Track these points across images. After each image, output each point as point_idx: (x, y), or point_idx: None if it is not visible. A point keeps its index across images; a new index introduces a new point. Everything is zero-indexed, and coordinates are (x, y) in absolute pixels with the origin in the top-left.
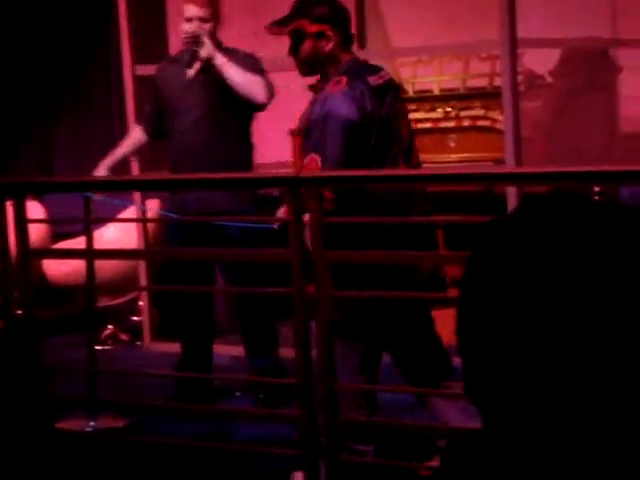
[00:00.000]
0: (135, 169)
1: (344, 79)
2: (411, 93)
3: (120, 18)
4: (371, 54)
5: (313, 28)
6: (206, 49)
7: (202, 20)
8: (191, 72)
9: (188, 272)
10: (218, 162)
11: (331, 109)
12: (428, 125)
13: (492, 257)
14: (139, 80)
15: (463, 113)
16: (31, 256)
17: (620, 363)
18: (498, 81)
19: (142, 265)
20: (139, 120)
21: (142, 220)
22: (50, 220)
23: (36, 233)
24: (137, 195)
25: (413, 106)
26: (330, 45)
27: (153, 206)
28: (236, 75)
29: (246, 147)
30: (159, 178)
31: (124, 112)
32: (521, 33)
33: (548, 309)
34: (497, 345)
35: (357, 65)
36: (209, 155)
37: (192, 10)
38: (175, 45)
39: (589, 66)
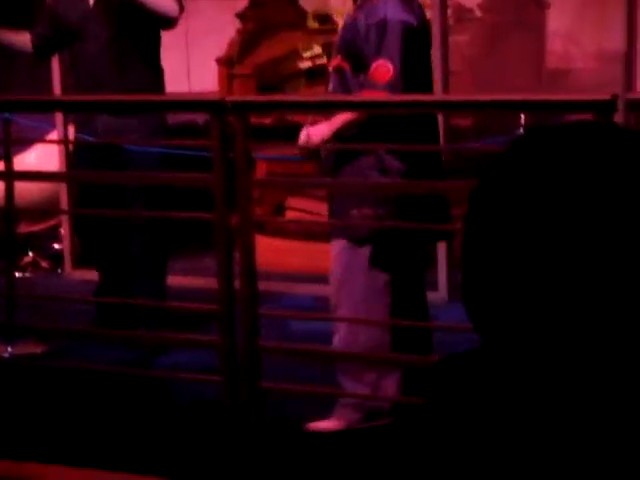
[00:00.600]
0: (57, 90)
1: None
2: (340, 24)
3: None
4: None
5: None
6: None
7: None
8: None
9: (101, 199)
10: (127, 89)
11: (387, 14)
12: None
13: (498, 177)
14: None
15: None
16: None
17: (619, 283)
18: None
19: (64, 191)
20: (30, 32)
21: (62, 142)
22: None
23: None
24: (59, 117)
25: None
26: None
27: (71, 130)
28: None
29: (156, 73)
30: (81, 99)
31: None
32: None
33: (549, 226)
34: (498, 261)
35: None
36: (117, 83)
37: None
38: None
39: (518, 1)
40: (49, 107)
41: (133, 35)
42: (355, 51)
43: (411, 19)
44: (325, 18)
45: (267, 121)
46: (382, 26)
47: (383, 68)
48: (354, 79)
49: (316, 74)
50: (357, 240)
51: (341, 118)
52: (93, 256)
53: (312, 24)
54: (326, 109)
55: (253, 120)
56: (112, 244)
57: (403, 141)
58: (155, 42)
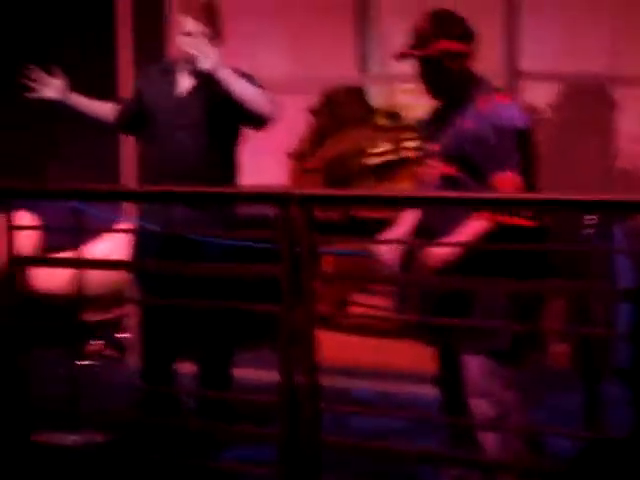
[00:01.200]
0: (128, 180)
1: (501, 91)
2: (408, 121)
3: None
4: (370, 78)
5: (455, 47)
6: (209, 61)
7: (200, 35)
8: (184, 88)
9: (168, 290)
10: (207, 181)
11: (503, 121)
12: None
13: None
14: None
15: None
16: (19, 264)
17: None
18: None
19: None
20: (115, 105)
21: (132, 231)
22: (39, 227)
23: (26, 244)
24: (128, 207)
25: (410, 134)
26: (467, 62)
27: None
28: (243, 88)
29: (231, 171)
30: (151, 190)
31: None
32: (522, 66)
33: None
34: None
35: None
36: (192, 177)
37: (190, 24)
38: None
39: (587, 101)
40: (120, 197)
41: (222, 129)
42: (469, 158)
43: (525, 123)
44: (393, 115)
45: (335, 215)
46: (501, 133)
47: (509, 180)
48: (470, 186)
49: (384, 170)
50: (500, 354)
51: (471, 230)
52: (157, 346)
53: (381, 120)
54: (393, 205)
55: (321, 214)
56: (176, 335)
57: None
58: (238, 136)
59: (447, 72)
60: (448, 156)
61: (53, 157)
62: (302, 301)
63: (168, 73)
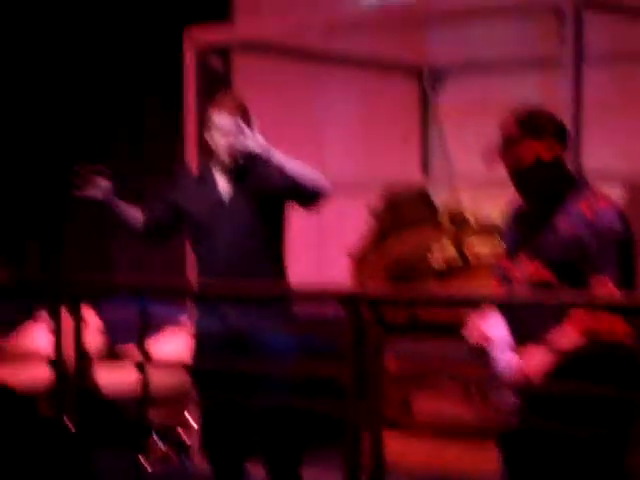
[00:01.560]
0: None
1: (601, 194)
2: (473, 223)
3: (188, 137)
4: (435, 181)
5: (547, 146)
6: (257, 143)
7: (239, 126)
8: (225, 191)
9: (229, 390)
10: (260, 278)
11: (608, 226)
12: (491, 258)
13: None
14: None
15: None
16: (85, 361)
17: None
18: None
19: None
20: (143, 212)
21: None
22: (105, 324)
23: (91, 343)
24: (191, 304)
25: (475, 237)
26: (560, 161)
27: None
28: (293, 164)
29: (281, 266)
30: (217, 286)
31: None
32: (586, 167)
33: None
34: None
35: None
36: (251, 273)
37: (226, 119)
38: None
39: None
40: (183, 294)
41: (273, 221)
42: (570, 265)
43: (627, 230)
44: (458, 217)
45: (398, 316)
46: (603, 240)
47: (606, 286)
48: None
49: (447, 273)
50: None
51: (566, 340)
52: (221, 447)
53: (445, 222)
54: (460, 305)
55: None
56: (238, 435)
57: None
58: (285, 230)
59: (541, 173)
60: (548, 260)
61: (119, 253)
62: (367, 401)
63: (205, 179)
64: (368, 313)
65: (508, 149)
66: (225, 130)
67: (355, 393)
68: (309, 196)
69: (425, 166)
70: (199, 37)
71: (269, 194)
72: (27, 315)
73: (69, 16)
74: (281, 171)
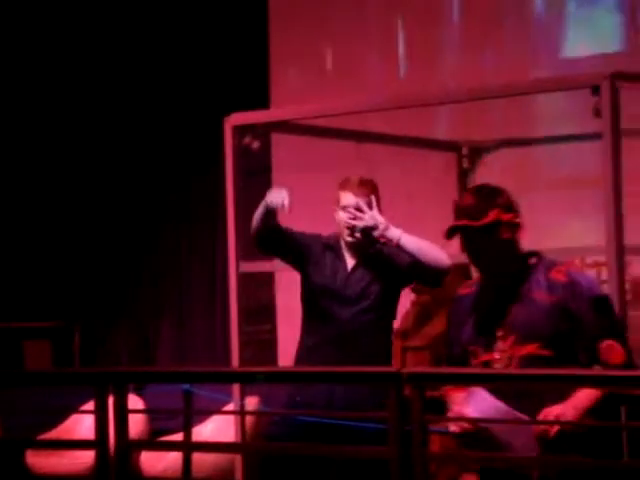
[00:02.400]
0: (235, 361)
1: (566, 262)
2: None
3: (228, 220)
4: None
5: (507, 216)
6: (376, 221)
7: (363, 205)
8: (350, 265)
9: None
10: (359, 353)
11: (593, 290)
12: None
13: None
14: (243, 277)
15: None
16: (130, 447)
17: None
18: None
19: (239, 463)
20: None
21: (240, 413)
22: (149, 410)
23: (135, 428)
24: (236, 388)
25: None
26: (518, 233)
27: (252, 402)
28: (417, 242)
29: (390, 338)
30: (259, 370)
31: (228, 310)
32: (627, 240)
33: None
34: None
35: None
36: (352, 348)
37: (350, 198)
38: None
39: None
40: (230, 379)
41: (390, 300)
42: (558, 333)
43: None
44: None
45: (438, 394)
46: (591, 302)
47: (616, 349)
48: (561, 362)
49: None
50: None
51: (584, 397)
52: None
53: None
54: (498, 381)
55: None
56: None
57: None
58: (398, 302)
59: (503, 243)
60: (528, 335)
61: (162, 342)
62: None
63: (334, 250)
64: (411, 391)
65: (471, 218)
66: (348, 209)
67: (400, 474)
68: (431, 273)
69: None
70: (238, 120)
71: (392, 272)
72: (74, 403)
73: (125, 106)
74: (403, 249)
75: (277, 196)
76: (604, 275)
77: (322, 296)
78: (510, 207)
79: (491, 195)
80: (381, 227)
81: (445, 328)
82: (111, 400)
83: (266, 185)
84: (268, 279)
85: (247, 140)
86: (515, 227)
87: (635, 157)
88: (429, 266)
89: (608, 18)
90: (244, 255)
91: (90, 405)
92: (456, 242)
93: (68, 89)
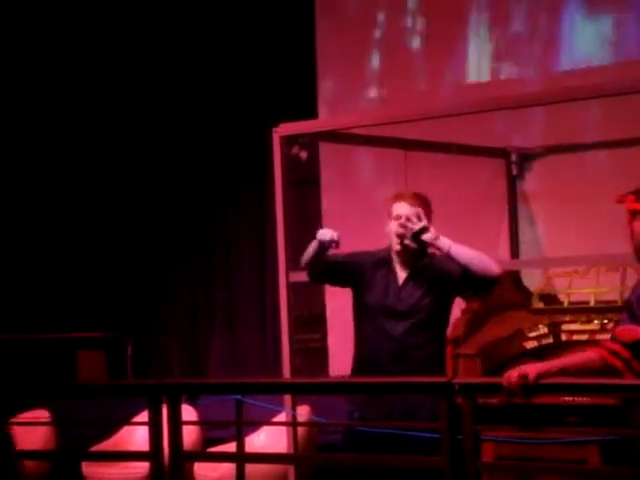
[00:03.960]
0: (286, 371)
1: None
2: (566, 304)
3: (277, 230)
4: (524, 262)
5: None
6: (429, 232)
7: (417, 215)
8: (402, 278)
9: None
10: (414, 367)
11: None
12: (585, 337)
13: None
14: (293, 287)
15: None
16: (183, 458)
17: None
18: None
19: (291, 473)
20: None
21: (292, 424)
22: (202, 422)
23: (188, 438)
24: (287, 399)
25: (568, 317)
26: None
27: (303, 412)
28: (467, 251)
29: (443, 348)
30: (312, 381)
31: (278, 320)
32: None
33: None
34: None
35: None
36: (407, 362)
37: (405, 208)
38: None
39: None
40: (280, 390)
41: (443, 311)
42: None
43: None
44: (550, 298)
45: (494, 401)
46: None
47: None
48: None
49: (542, 354)
50: None
51: (577, 358)
52: None
53: (537, 304)
54: (562, 392)
55: (480, 400)
56: None
57: None
58: (449, 315)
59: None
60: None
61: (213, 352)
62: None
63: (385, 265)
64: (462, 401)
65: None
66: (402, 218)
67: None
68: (482, 281)
69: (515, 248)
70: (286, 130)
71: (443, 283)
72: (128, 414)
73: (173, 117)
74: (453, 258)
75: (327, 233)
76: None
77: (375, 313)
78: None
79: None
80: (432, 232)
81: (505, 335)
82: (165, 411)
83: (315, 195)
84: (318, 287)
85: (295, 150)
86: None
87: None
88: (480, 275)
89: None
90: (293, 265)
91: (144, 416)
92: (506, 249)
93: (114, 98)
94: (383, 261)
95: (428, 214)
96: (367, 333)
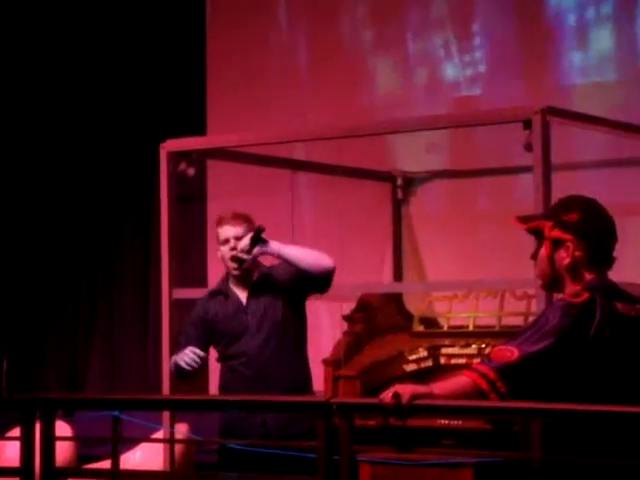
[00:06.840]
0: (166, 388)
1: (585, 295)
2: (446, 328)
3: (162, 246)
4: (406, 286)
5: (553, 233)
6: (260, 246)
7: (238, 239)
8: (244, 298)
9: None
10: (281, 385)
11: (544, 314)
12: (462, 361)
13: None
14: (178, 303)
15: None
16: (55, 475)
17: None
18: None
19: None
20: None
21: (170, 441)
22: (77, 437)
23: (62, 454)
24: (166, 416)
25: (447, 341)
26: (568, 259)
27: (182, 429)
28: (296, 250)
29: (305, 357)
30: (191, 398)
31: (159, 335)
32: None
33: None
34: None
35: (605, 286)
36: (270, 377)
37: (229, 231)
38: (213, 270)
39: None
40: (158, 406)
41: (288, 326)
42: None
43: (565, 328)
44: (430, 322)
45: (372, 422)
46: (535, 322)
47: (507, 352)
48: None
49: (421, 377)
50: None
51: (452, 382)
52: None
53: (418, 327)
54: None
55: (358, 421)
56: None
57: None
58: (305, 326)
59: (540, 256)
60: None
61: (91, 368)
62: None
63: (224, 292)
64: (339, 421)
65: (525, 221)
66: (230, 241)
67: None
68: (317, 276)
69: (398, 272)
70: (173, 146)
71: (283, 289)
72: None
73: (57, 132)
74: (284, 259)
75: (185, 357)
76: (533, 307)
77: (231, 339)
78: (570, 228)
79: (561, 208)
80: (264, 248)
81: (384, 357)
82: (38, 426)
83: (201, 212)
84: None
85: (182, 166)
86: (566, 250)
87: (565, 192)
88: (314, 270)
89: None
90: (178, 281)
91: (17, 431)
92: (389, 272)
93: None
94: (220, 292)
95: (252, 230)
96: (229, 358)
